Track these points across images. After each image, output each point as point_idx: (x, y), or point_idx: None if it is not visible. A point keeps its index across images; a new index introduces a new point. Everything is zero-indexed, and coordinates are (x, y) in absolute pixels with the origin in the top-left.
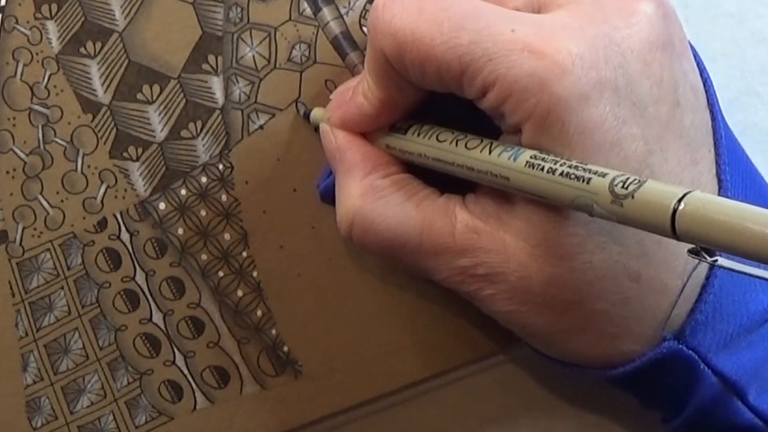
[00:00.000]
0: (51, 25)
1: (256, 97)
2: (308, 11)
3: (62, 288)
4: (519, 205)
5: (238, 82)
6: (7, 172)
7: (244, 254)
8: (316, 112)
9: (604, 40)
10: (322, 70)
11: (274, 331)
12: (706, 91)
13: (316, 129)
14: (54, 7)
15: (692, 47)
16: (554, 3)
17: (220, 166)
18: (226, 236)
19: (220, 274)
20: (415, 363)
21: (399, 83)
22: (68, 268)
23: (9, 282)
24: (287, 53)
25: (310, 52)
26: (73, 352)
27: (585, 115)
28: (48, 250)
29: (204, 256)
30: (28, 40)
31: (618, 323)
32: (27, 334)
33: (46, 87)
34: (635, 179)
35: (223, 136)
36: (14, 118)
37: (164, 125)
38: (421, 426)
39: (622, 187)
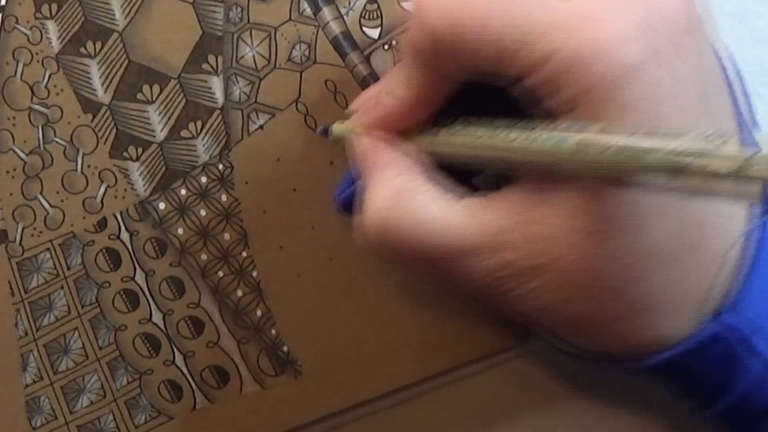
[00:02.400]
0: (51, 25)
1: (256, 97)
2: (308, 11)
3: (62, 288)
4: (561, 191)
5: (238, 82)
6: (7, 172)
7: (244, 254)
8: (337, 126)
9: (656, 12)
10: (322, 70)
11: (273, 331)
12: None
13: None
14: (54, 6)
15: None
16: None
17: (220, 166)
18: (226, 236)
19: (220, 274)
20: (415, 363)
21: (438, 74)
22: (68, 268)
23: (9, 282)
24: (287, 53)
25: (310, 52)
26: (72, 351)
27: (644, 86)
28: (48, 249)
29: (204, 256)
30: (28, 39)
31: (669, 301)
32: (27, 334)
33: (46, 87)
34: (706, 145)
35: (223, 136)
36: (14, 118)
37: (164, 125)
38: (421, 426)
39: (689, 155)
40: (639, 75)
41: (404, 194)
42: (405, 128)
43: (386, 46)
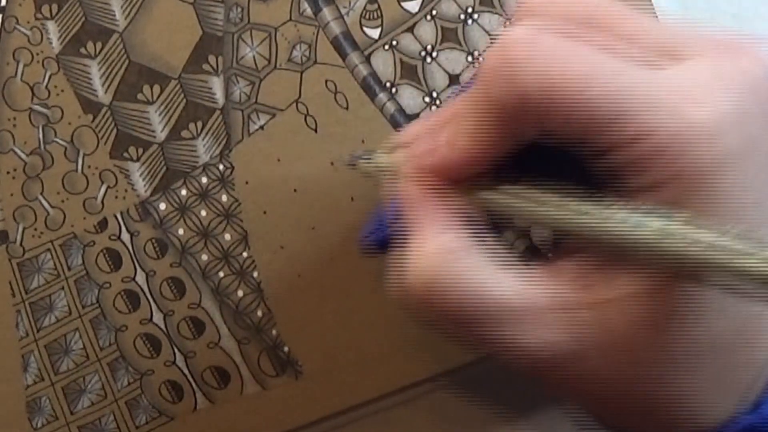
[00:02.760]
0: (51, 26)
1: (257, 97)
2: (309, 11)
3: (63, 288)
4: (627, 272)
5: (238, 82)
6: (8, 173)
7: (245, 254)
8: (381, 159)
9: (750, 95)
10: (322, 70)
11: (274, 332)
12: None
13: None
14: (54, 7)
15: None
16: (688, 51)
17: (221, 167)
18: (227, 236)
19: (221, 274)
20: (415, 363)
21: (513, 132)
22: (69, 269)
23: (9, 282)
24: (287, 53)
25: (310, 52)
26: (73, 352)
27: (735, 175)
28: (48, 250)
29: (204, 257)
30: (29, 40)
31: (715, 391)
32: (27, 335)
33: (46, 87)
34: None
35: (223, 136)
36: (15, 119)
37: (165, 125)
38: (421, 426)
39: None
40: (734, 166)
41: (455, 253)
42: (459, 179)
43: (386, 46)
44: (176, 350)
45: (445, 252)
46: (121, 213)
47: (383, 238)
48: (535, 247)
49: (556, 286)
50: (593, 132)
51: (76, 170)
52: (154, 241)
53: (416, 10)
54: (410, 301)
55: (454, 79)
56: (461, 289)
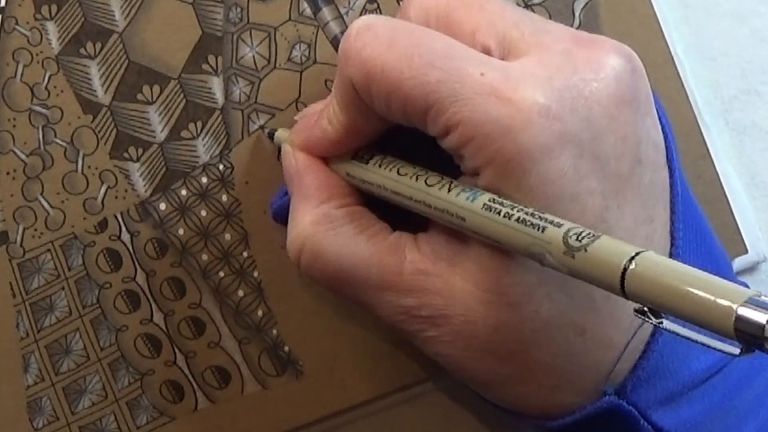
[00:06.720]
0: (51, 26)
1: (256, 97)
2: (308, 11)
3: (63, 289)
4: (471, 249)
5: (238, 82)
6: (8, 173)
7: (245, 254)
8: (281, 133)
9: (572, 91)
10: (322, 70)
11: (274, 331)
12: (667, 147)
13: (279, 151)
14: (54, 7)
15: (657, 102)
16: (523, 49)
17: (221, 167)
18: (227, 236)
19: (221, 274)
20: (415, 363)
21: (364, 112)
22: (69, 269)
23: (10, 283)
24: (287, 53)
25: (310, 52)
26: (74, 352)
27: (546, 166)
28: (49, 250)
29: (204, 257)
30: (28, 41)
31: (560, 374)
32: (28, 335)
33: (46, 88)
34: (590, 233)
35: (223, 136)
36: (14, 119)
37: (164, 126)
38: (422, 426)
39: (577, 239)
40: (541, 157)
41: (326, 223)
42: (331, 156)
43: None
44: (177, 350)
45: (316, 222)
46: (121, 213)
47: (283, 205)
48: None
49: (425, 254)
50: (416, 121)
51: (76, 171)
52: (154, 241)
53: None
54: (292, 261)
55: None
56: (325, 257)
